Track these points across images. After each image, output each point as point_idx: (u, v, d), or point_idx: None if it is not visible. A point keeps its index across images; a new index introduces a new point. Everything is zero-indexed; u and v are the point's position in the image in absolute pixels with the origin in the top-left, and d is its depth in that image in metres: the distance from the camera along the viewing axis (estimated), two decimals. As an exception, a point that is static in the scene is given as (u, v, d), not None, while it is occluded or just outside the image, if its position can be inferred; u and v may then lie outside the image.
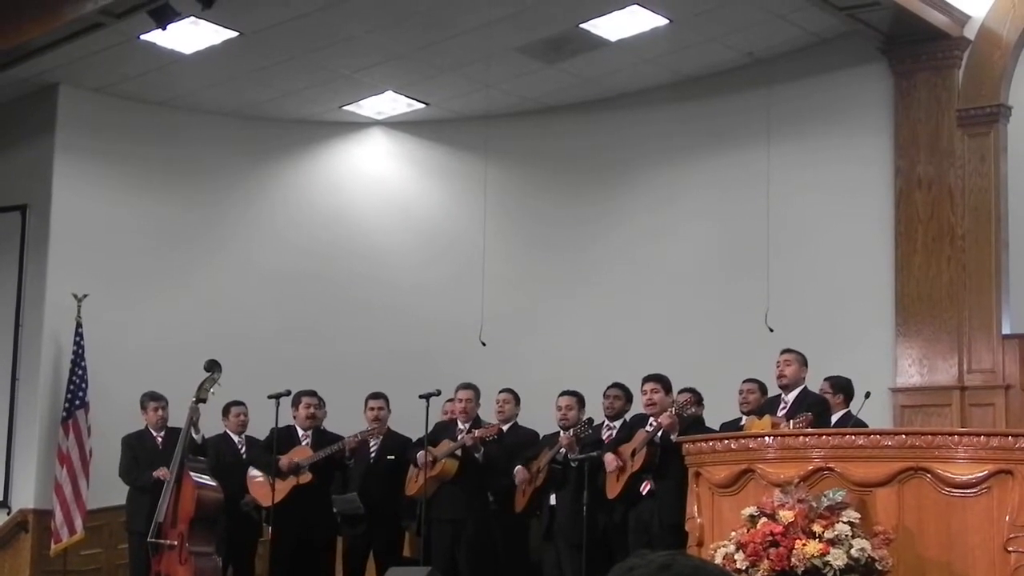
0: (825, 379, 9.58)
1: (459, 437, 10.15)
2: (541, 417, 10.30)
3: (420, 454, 10.10)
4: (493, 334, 11.76)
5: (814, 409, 8.60)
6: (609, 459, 9.40)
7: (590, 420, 9.88)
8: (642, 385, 9.58)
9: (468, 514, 10.07)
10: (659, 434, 9.21)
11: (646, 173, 12.80)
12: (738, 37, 11.68)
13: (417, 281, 13.31)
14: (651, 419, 9.36)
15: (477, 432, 10.03)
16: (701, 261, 12.38)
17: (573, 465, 9.59)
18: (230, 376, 10.81)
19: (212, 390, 10.49)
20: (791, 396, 9.00)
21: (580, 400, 10.12)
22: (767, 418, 8.72)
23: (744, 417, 9.58)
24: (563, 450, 9.80)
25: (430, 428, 10.16)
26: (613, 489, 9.33)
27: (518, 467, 9.98)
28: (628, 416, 9.92)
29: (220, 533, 10.48)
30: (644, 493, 9.20)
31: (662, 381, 9.54)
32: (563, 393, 10.17)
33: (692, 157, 12.57)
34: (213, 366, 10.53)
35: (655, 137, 12.71)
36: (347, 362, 12.71)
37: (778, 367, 9.13)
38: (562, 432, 9.90)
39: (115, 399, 11.44)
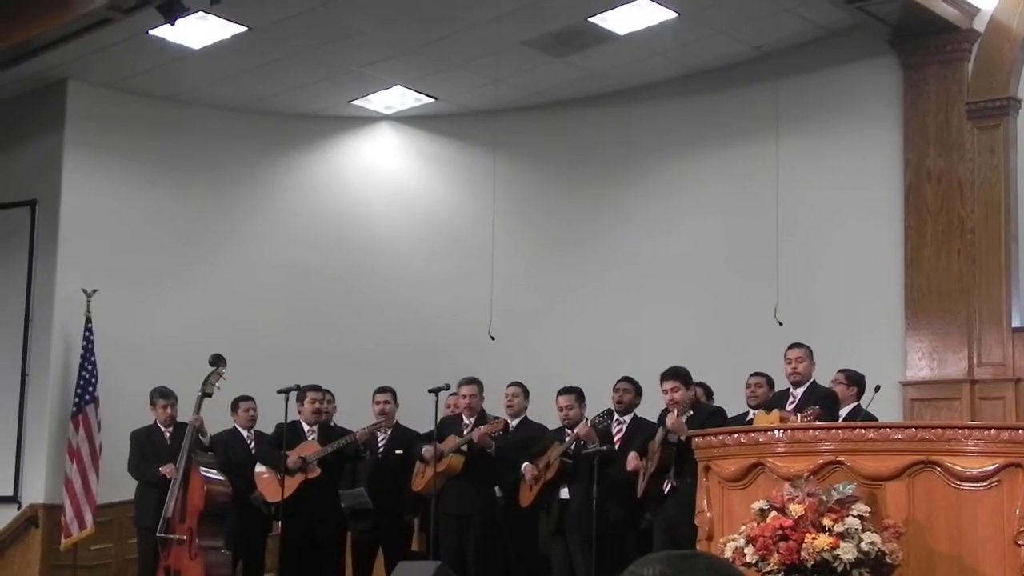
0: (840, 371, 9.56)
1: (464, 432, 10.14)
2: (551, 411, 10.28)
3: (426, 449, 10.10)
4: (502, 328, 11.76)
5: (823, 403, 8.58)
6: (631, 457, 9.33)
7: (609, 411, 9.77)
8: (661, 383, 9.23)
9: (475, 509, 10.06)
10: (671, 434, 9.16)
11: (654, 167, 12.80)
12: (746, 30, 11.67)
13: (426, 275, 13.31)
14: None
15: (483, 428, 9.99)
16: (710, 255, 12.37)
17: (594, 454, 9.47)
18: (239, 371, 10.84)
19: (217, 384, 10.53)
20: (800, 390, 8.97)
21: (579, 396, 10.04)
22: (775, 412, 8.71)
23: (751, 411, 9.57)
24: (620, 432, 9.77)
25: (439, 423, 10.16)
26: (640, 488, 9.28)
27: (525, 464, 9.95)
28: (644, 413, 9.86)
29: (229, 528, 10.50)
30: (666, 492, 9.14)
31: (680, 377, 9.14)
32: (561, 392, 10.06)
33: (700, 151, 12.56)
34: (218, 360, 10.56)
35: (663, 131, 12.70)
36: (356, 357, 12.71)
37: (790, 364, 9.09)
38: (568, 430, 9.85)
39: (125, 394, 11.46)
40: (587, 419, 9.77)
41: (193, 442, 10.40)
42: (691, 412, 9.11)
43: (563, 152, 13.17)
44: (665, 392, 9.18)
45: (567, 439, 9.84)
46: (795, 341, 9.31)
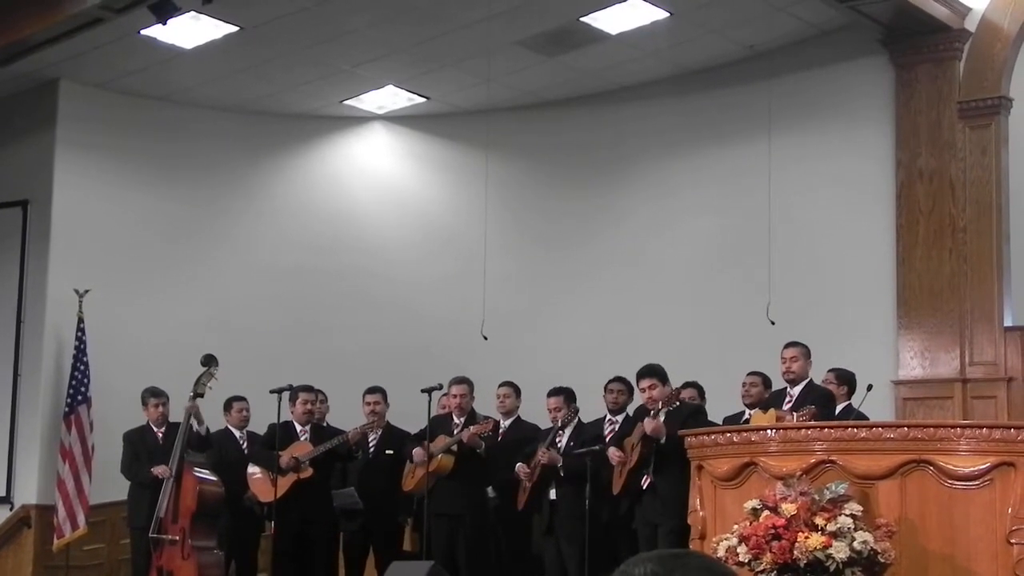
0: (830, 370, 9.57)
1: (454, 432, 10.14)
2: (544, 411, 10.29)
3: (416, 450, 10.10)
4: (495, 328, 11.76)
5: (819, 402, 8.58)
6: (612, 453, 9.38)
7: (575, 410, 9.88)
8: (637, 382, 9.35)
9: (465, 510, 10.05)
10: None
11: (647, 167, 12.80)
12: (739, 30, 11.68)
13: (418, 275, 13.31)
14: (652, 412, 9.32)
15: (473, 429, 9.98)
16: (702, 254, 12.37)
17: (585, 454, 9.50)
18: (232, 371, 10.83)
19: (209, 384, 10.51)
20: (796, 389, 8.98)
21: (567, 396, 10.04)
22: (772, 411, 8.72)
23: (747, 410, 9.59)
24: (560, 444, 9.80)
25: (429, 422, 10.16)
26: (616, 484, 9.32)
27: (519, 464, 9.95)
28: (631, 409, 9.89)
29: (222, 528, 10.50)
30: (644, 487, 9.17)
31: (656, 374, 9.23)
32: (550, 394, 10.07)
33: (693, 150, 12.56)
34: (210, 360, 10.55)
35: (656, 130, 12.70)
36: (349, 356, 12.71)
37: (784, 363, 9.08)
38: (540, 451, 9.83)
39: (117, 394, 11.44)
40: (547, 446, 9.76)
41: (187, 440, 10.39)
42: (675, 405, 9.12)
43: (555, 152, 13.17)
44: (643, 390, 9.27)
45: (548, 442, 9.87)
46: (791, 340, 9.30)
